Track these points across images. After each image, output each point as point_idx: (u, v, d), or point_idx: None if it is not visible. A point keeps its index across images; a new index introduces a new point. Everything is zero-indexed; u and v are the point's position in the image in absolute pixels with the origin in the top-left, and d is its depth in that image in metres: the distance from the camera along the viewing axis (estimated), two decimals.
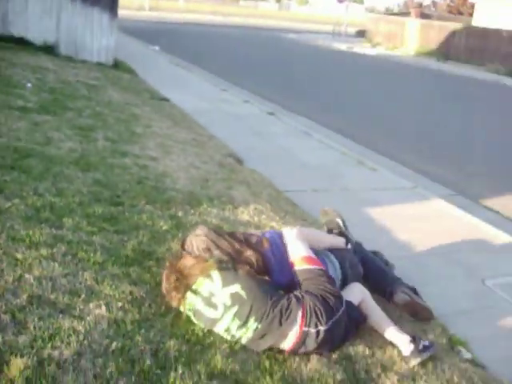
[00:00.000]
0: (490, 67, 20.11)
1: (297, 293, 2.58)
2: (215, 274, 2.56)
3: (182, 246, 2.82)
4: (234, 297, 2.49)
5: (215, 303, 2.51)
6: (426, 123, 10.54)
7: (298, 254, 2.75)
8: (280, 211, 4.36)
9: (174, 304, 2.59)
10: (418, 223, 4.84)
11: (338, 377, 2.39)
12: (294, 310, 2.48)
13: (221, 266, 2.59)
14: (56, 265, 2.73)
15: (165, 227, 3.50)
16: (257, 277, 2.65)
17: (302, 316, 2.47)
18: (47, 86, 7.10)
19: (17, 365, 2.00)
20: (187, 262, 2.63)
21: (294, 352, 2.49)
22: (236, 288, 2.51)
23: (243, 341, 2.48)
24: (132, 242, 3.18)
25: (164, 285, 2.64)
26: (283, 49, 23.69)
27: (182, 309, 2.59)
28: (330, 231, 3.48)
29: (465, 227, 4.86)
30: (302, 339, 2.46)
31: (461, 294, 3.63)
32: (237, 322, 2.47)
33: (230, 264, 2.61)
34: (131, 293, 2.66)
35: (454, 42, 22.45)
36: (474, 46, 21.57)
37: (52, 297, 2.48)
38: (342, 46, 27.42)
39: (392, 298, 3.16)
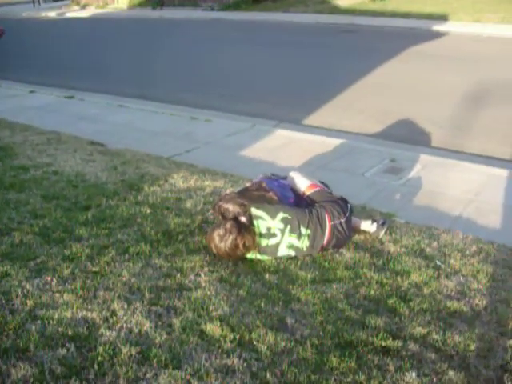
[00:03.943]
0: (205, 6, 21.94)
1: (317, 204, 3.54)
2: (262, 214, 3.31)
3: (221, 214, 3.40)
4: (283, 220, 3.33)
5: (273, 232, 3.31)
6: (202, 67, 11.50)
7: (306, 184, 3.69)
8: (196, 173, 5.01)
9: (240, 255, 3.25)
10: (282, 152, 5.95)
11: (368, 255, 3.44)
12: (322, 213, 3.44)
13: (260, 207, 3.35)
14: (150, 270, 3.13)
15: (148, 211, 3.95)
16: (284, 203, 3.49)
17: (328, 215, 3.44)
18: None
19: None
20: (238, 221, 3.28)
21: (328, 245, 3.42)
22: (281, 215, 3.34)
23: (305, 249, 3.35)
24: (148, 232, 3.62)
25: (225, 247, 3.22)
26: None
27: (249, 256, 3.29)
28: None
29: (315, 145, 6.16)
30: (332, 232, 3.42)
31: (359, 189, 4.89)
32: (294, 236, 3.32)
33: (264, 204, 3.38)
34: (202, 259, 3.23)
35: None
36: None
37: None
38: (52, 14, 26.22)
39: None
